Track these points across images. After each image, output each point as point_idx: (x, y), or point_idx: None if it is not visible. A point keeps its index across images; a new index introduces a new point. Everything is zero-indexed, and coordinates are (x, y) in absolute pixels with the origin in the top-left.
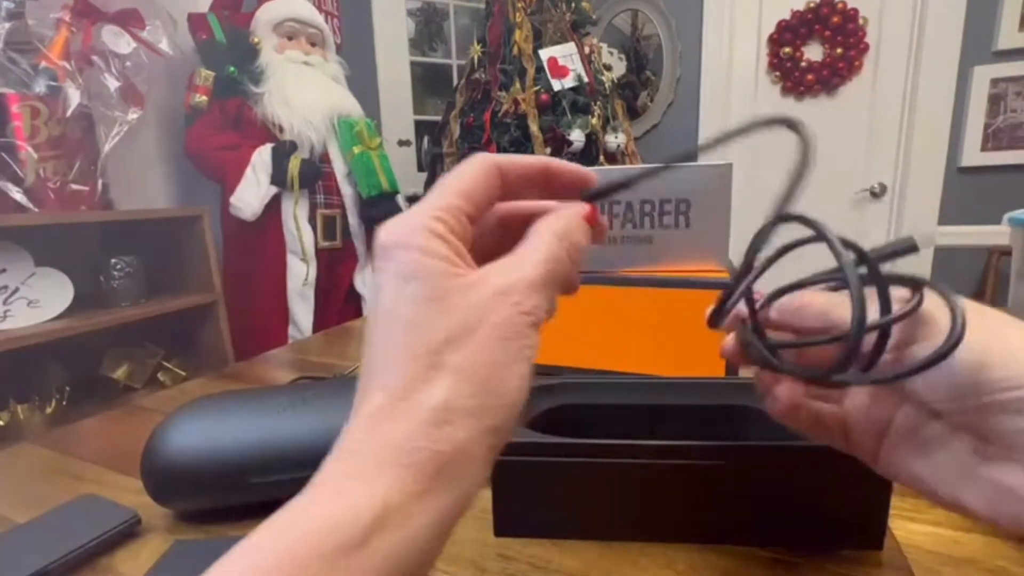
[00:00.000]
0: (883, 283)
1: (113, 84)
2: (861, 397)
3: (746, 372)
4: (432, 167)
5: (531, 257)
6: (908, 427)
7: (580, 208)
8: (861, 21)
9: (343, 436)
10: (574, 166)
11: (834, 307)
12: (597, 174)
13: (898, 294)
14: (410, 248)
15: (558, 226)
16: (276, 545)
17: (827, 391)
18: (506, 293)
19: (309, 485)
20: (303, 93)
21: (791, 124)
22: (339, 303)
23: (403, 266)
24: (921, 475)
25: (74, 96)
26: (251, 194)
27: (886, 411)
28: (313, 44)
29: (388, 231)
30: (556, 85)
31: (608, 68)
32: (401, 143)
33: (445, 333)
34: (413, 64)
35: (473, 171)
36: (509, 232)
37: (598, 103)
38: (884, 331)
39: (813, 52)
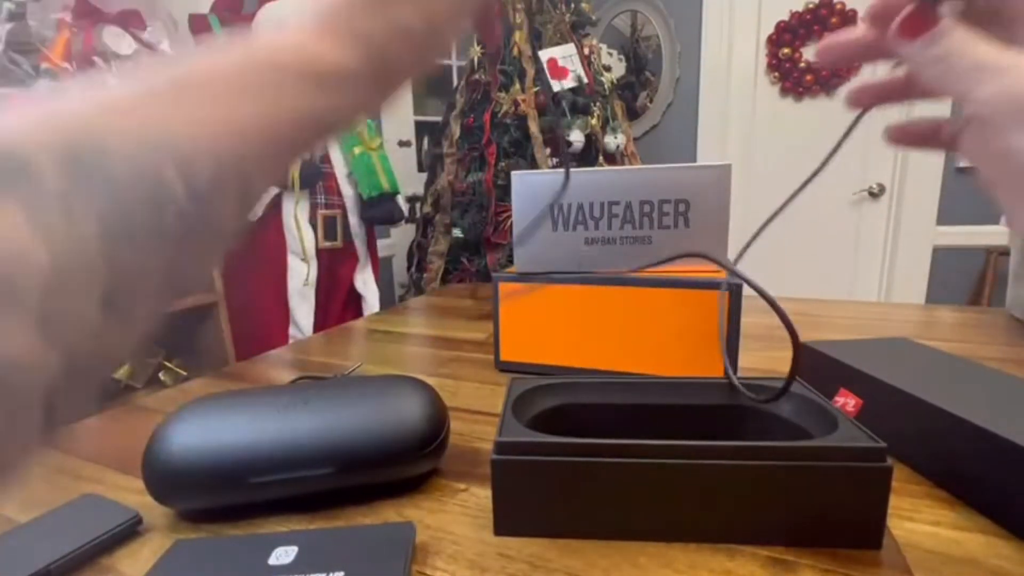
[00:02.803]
0: None
1: None
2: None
3: None
4: (432, 168)
5: None
6: None
7: None
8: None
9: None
10: None
11: None
12: None
13: None
14: None
15: None
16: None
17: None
18: None
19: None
20: None
21: None
22: (340, 303)
23: None
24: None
25: None
26: None
27: None
28: None
29: None
30: (556, 86)
31: (607, 69)
32: (401, 143)
33: None
34: None
35: None
36: None
37: (598, 104)
38: None
39: (812, 53)
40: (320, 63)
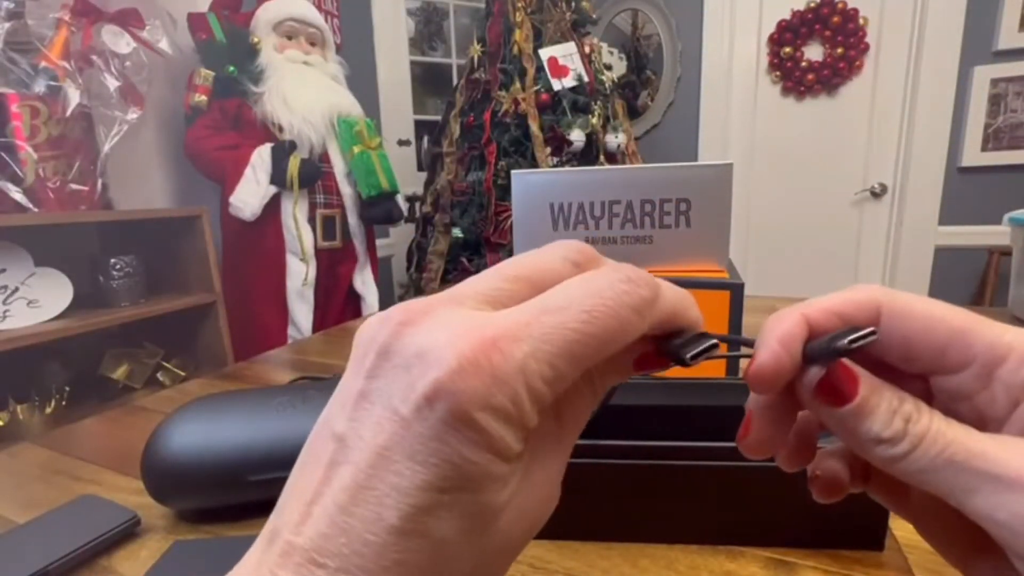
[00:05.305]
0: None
1: (113, 84)
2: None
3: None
4: (432, 167)
5: (560, 466)
6: None
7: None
8: (861, 21)
9: None
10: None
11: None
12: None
13: None
14: (478, 434)
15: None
16: None
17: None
18: (525, 537)
19: None
20: (303, 93)
21: None
22: (339, 303)
23: (448, 462)
24: None
25: (74, 96)
26: (251, 194)
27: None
28: (313, 44)
29: (463, 366)
30: (556, 85)
31: (608, 68)
32: (401, 143)
33: None
34: (413, 64)
35: (617, 319)
36: None
37: (598, 103)
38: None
39: (813, 52)
40: None
